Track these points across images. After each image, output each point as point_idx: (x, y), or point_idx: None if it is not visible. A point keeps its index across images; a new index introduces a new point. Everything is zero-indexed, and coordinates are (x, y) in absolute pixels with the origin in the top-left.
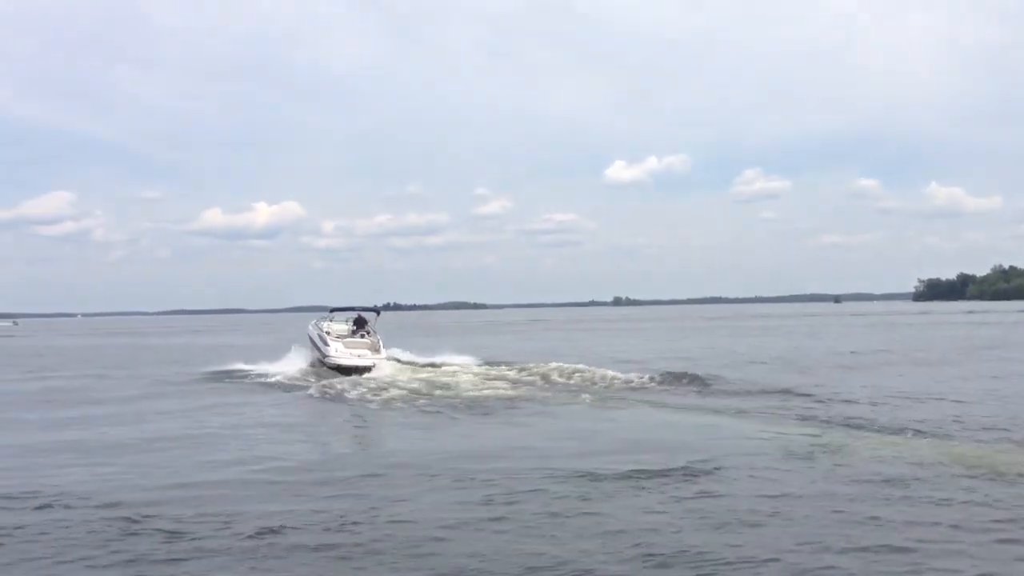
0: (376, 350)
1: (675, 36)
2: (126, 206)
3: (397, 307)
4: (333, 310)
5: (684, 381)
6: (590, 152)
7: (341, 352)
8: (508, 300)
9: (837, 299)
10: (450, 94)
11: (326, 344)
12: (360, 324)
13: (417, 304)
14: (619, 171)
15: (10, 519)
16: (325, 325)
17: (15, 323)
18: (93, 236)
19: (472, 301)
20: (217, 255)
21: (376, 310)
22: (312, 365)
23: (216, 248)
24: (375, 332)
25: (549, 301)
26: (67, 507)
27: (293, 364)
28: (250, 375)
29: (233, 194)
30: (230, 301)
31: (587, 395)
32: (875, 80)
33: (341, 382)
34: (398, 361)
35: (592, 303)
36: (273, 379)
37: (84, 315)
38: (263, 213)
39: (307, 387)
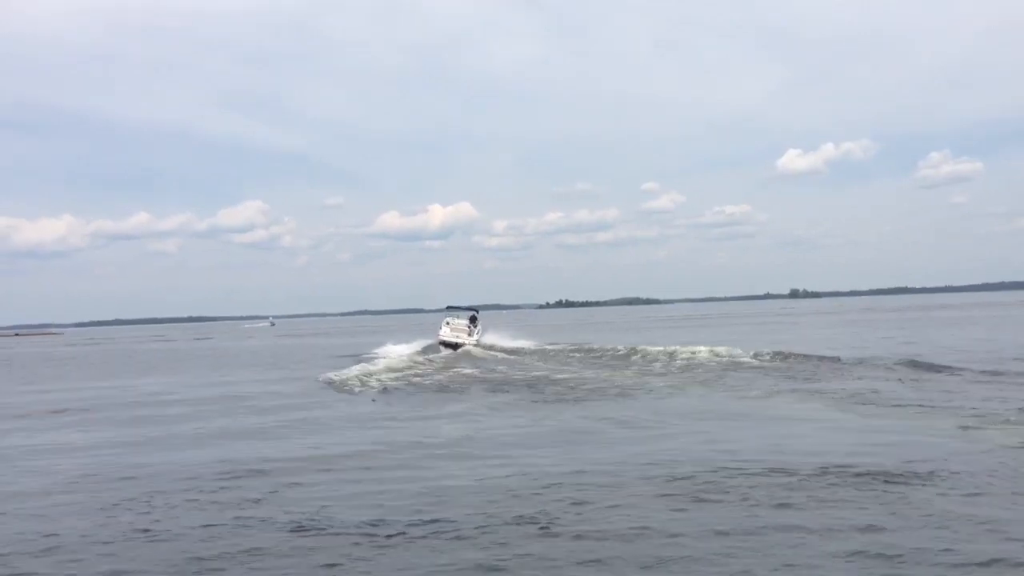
0: (470, 334)
1: (847, 17)
2: (311, 213)
3: (569, 304)
4: (448, 307)
5: (889, 373)
6: (761, 141)
7: (446, 333)
8: (679, 295)
9: None
10: (615, 90)
11: (440, 329)
12: (473, 319)
13: (588, 300)
14: (793, 160)
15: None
16: (449, 318)
17: (272, 323)
18: (281, 242)
19: (643, 296)
20: (394, 256)
21: (477, 309)
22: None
23: (393, 249)
24: (478, 324)
25: (722, 295)
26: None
27: (409, 348)
28: (372, 354)
29: (409, 197)
30: (408, 301)
31: (757, 392)
32: None
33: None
34: (486, 347)
35: (767, 296)
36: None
37: (275, 317)
38: (437, 215)
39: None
